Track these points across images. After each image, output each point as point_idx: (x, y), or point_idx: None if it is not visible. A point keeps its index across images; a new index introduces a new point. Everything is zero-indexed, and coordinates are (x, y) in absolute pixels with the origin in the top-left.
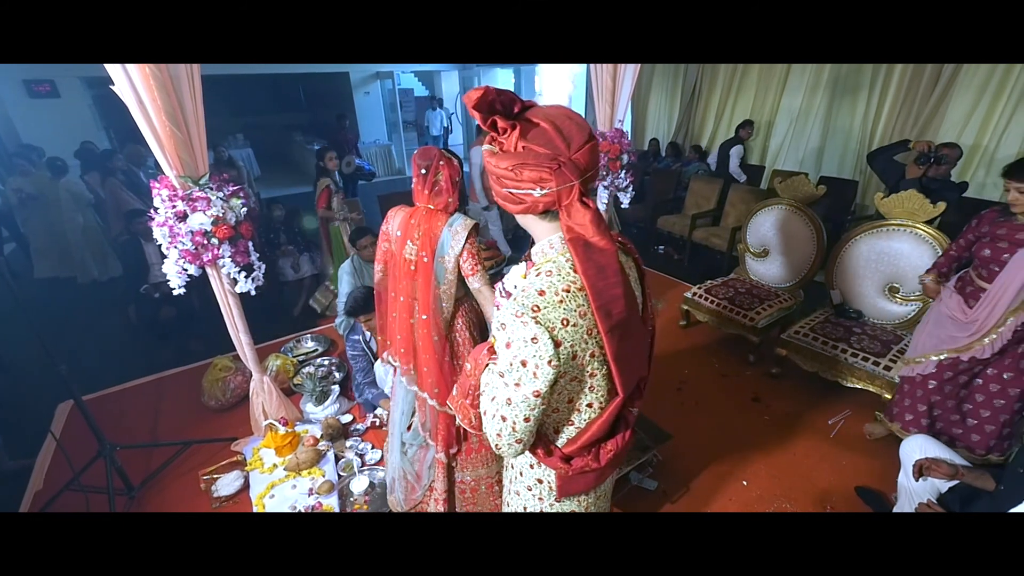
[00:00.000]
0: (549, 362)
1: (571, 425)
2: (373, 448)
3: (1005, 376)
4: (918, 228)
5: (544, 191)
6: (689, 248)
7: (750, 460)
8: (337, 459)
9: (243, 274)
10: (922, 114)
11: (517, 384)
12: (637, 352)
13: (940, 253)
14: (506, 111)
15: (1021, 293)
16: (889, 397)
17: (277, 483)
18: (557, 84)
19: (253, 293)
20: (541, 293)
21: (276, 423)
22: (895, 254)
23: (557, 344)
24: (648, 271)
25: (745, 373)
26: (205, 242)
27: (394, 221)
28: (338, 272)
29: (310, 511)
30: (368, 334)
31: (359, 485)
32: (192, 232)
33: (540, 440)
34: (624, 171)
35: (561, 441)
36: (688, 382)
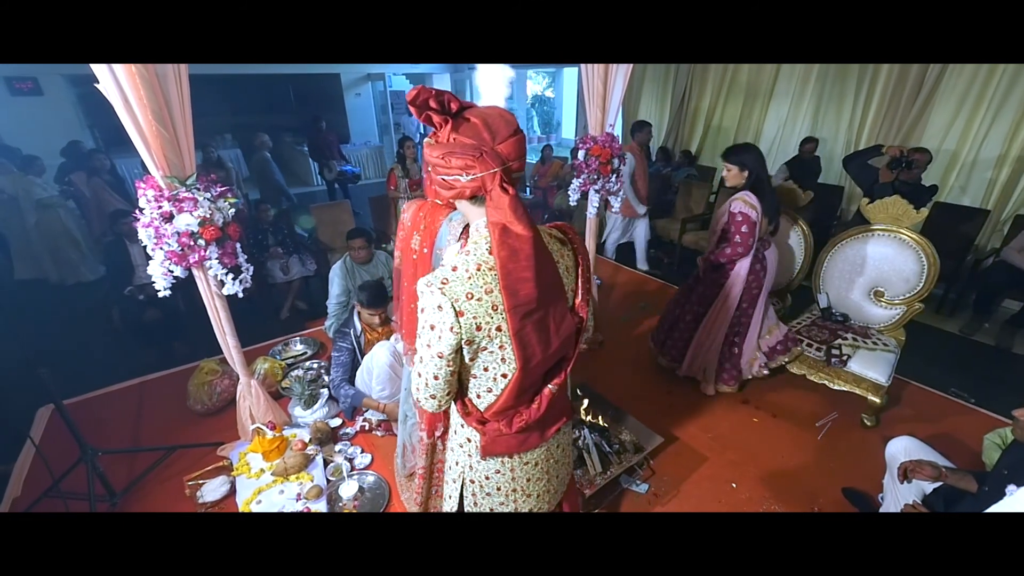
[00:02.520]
0: (451, 328)
1: (490, 392)
2: (362, 452)
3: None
4: (902, 233)
5: (470, 177)
6: (679, 252)
7: (739, 462)
8: (326, 463)
9: (230, 276)
10: (905, 121)
11: (428, 345)
12: (548, 333)
13: (923, 258)
14: (444, 109)
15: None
16: (876, 400)
17: (264, 488)
18: (493, 88)
19: (241, 295)
20: (454, 268)
21: (263, 427)
22: (880, 259)
23: (459, 314)
24: (638, 274)
25: None
26: (192, 243)
27: (408, 212)
28: (329, 275)
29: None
30: (360, 328)
31: (348, 490)
32: (178, 233)
33: (462, 401)
34: (615, 175)
35: (482, 405)
36: (678, 385)
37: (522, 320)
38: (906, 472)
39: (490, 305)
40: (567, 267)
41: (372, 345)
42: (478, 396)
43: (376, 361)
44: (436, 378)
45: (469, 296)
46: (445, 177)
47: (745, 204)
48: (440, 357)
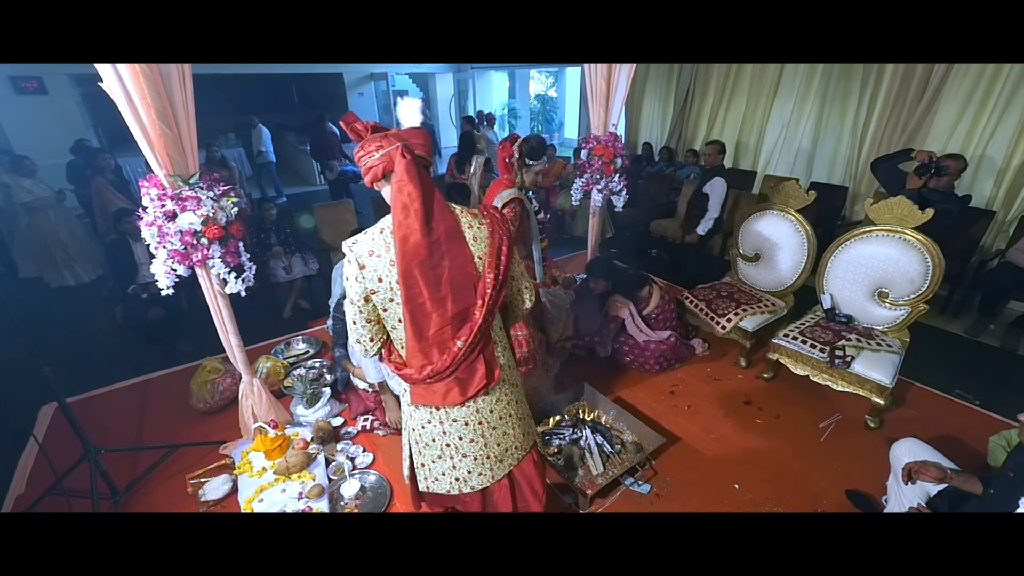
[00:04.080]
0: (356, 279)
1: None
2: (364, 451)
3: None
4: (907, 234)
5: (380, 153)
6: (686, 252)
7: (742, 463)
8: (328, 462)
9: (233, 275)
10: (910, 121)
11: (348, 296)
12: (439, 280)
13: (928, 259)
14: (373, 129)
15: None
16: (880, 402)
17: (266, 487)
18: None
19: (243, 294)
20: (364, 232)
21: (266, 426)
22: (884, 259)
23: (362, 267)
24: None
25: (737, 377)
26: (194, 242)
27: None
28: (332, 274)
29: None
30: None
31: (350, 489)
32: (181, 232)
33: (388, 348)
34: (618, 174)
35: (405, 354)
36: (680, 386)
37: (408, 264)
38: (910, 473)
39: (388, 260)
40: (475, 236)
41: None
42: (402, 347)
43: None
44: (355, 323)
45: (371, 252)
46: (365, 162)
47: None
48: (352, 304)
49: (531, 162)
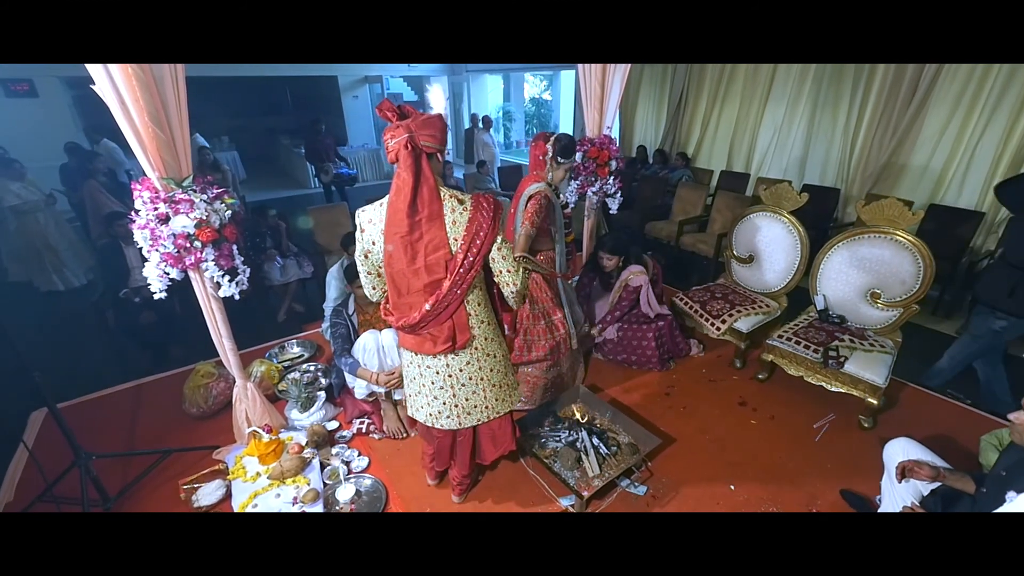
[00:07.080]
0: (358, 239)
1: None
2: (359, 455)
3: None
4: (898, 235)
5: (393, 142)
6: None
7: (737, 464)
8: (323, 467)
9: (227, 278)
10: (901, 123)
11: (356, 251)
12: (415, 254)
13: (919, 260)
14: (400, 115)
15: None
16: (874, 402)
17: (260, 492)
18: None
19: (237, 298)
20: (371, 203)
21: (260, 430)
22: (876, 260)
23: (362, 231)
24: None
25: (732, 378)
26: (188, 245)
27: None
28: (326, 278)
29: None
30: (352, 307)
31: (345, 493)
32: (174, 235)
33: (387, 297)
34: (612, 177)
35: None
36: (676, 387)
37: (392, 238)
38: (904, 471)
39: (380, 229)
40: (454, 220)
41: (364, 325)
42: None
43: (365, 345)
44: (360, 273)
45: (370, 221)
46: (387, 146)
47: None
48: (357, 257)
49: (562, 160)
